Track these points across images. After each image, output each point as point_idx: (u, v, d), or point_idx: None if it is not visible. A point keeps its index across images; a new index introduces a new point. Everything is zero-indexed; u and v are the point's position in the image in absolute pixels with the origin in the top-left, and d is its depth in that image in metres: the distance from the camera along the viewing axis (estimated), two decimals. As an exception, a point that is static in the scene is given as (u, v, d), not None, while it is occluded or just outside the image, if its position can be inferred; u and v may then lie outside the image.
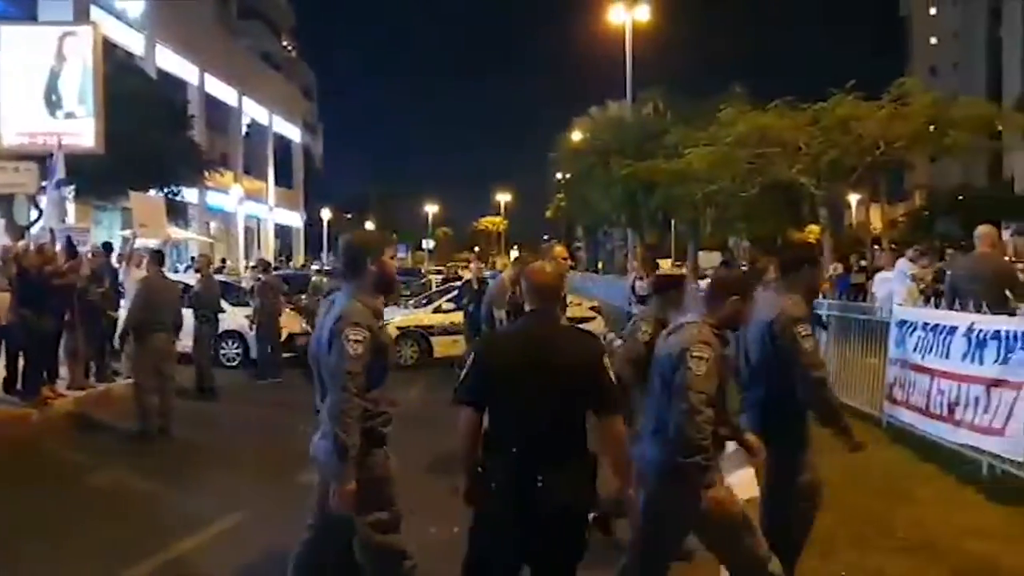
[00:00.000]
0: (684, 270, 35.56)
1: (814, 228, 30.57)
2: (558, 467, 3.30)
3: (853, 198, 52.47)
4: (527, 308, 3.64)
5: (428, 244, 79.94)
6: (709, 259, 32.18)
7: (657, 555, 3.98)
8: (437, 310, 15.69)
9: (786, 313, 4.38)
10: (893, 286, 12.64)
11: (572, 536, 3.40)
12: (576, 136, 36.82)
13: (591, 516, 3.53)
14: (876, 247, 39.22)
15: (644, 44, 32.60)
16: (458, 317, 13.89)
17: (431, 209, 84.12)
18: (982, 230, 8.59)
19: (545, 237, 54.29)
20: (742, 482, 7.03)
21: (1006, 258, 10.28)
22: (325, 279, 21.55)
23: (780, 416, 4.45)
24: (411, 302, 18.32)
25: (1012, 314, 7.01)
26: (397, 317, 16.09)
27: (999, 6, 71.94)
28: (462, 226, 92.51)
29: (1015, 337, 6.57)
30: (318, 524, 4.05)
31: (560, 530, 3.35)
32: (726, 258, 25.20)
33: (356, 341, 3.74)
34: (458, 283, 18.04)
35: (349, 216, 65.80)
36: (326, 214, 59.57)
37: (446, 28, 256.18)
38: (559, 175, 38.95)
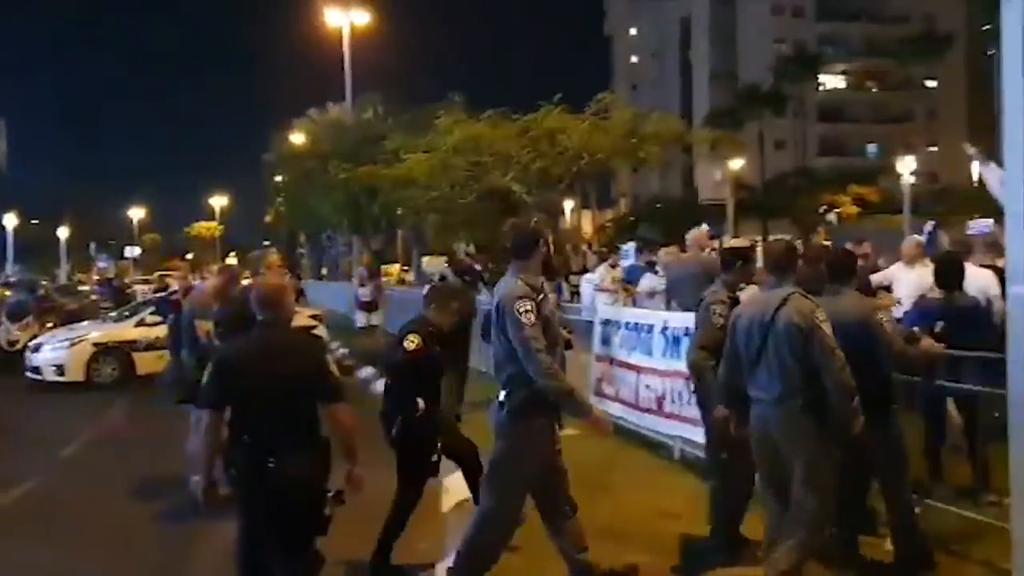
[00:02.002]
0: (411, 275, 35.75)
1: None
2: (289, 452, 3.85)
3: (568, 205, 55.56)
4: (259, 317, 4.10)
5: (133, 252, 74.32)
6: (434, 264, 32.52)
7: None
8: (140, 324, 14.52)
9: None
10: (589, 288, 13.34)
11: (306, 510, 3.94)
12: (296, 138, 35.84)
13: (329, 493, 4.01)
14: (588, 250, 41.74)
15: (365, 47, 32.45)
16: (163, 331, 12.90)
17: (137, 214, 78.19)
18: (693, 234, 9.26)
19: (265, 243, 52.49)
20: (455, 485, 7.12)
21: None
22: (8, 292, 19.36)
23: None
24: (112, 315, 16.88)
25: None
26: (94, 332, 14.76)
27: (689, 31, 79.23)
28: (173, 232, 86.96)
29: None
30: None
31: (294, 505, 3.89)
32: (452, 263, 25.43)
33: (527, 311, 4.31)
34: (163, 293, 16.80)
35: (37, 222, 59.66)
36: (11, 220, 53.63)
37: (155, 18, 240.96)
38: (278, 178, 37.67)
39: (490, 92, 22.69)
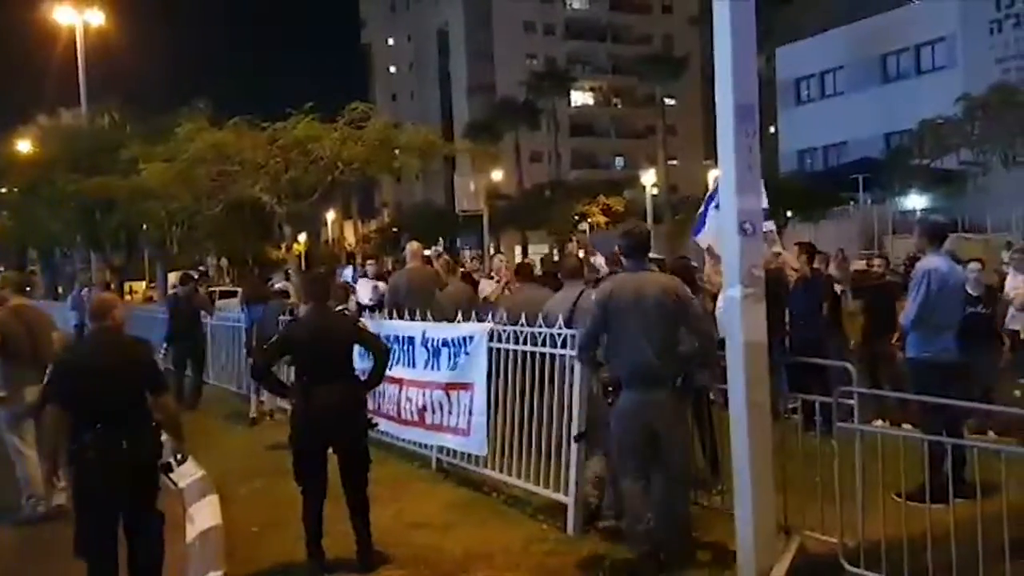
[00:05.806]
0: (155, 294, 33.52)
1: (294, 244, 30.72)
2: (133, 433, 4.67)
3: (330, 215, 54.50)
4: (91, 325, 5.06)
5: None
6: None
7: None
8: None
9: None
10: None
11: (149, 479, 4.80)
12: (23, 146, 32.58)
13: (160, 464, 4.88)
14: (352, 261, 40.89)
15: (102, 50, 30.30)
16: None
17: None
18: (412, 246, 9.67)
19: (-8, 262, 47.28)
20: (204, 510, 6.71)
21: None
22: None
23: None
24: None
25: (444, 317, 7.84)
26: None
27: (447, 44, 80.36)
28: None
29: (459, 343, 7.20)
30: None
31: (141, 476, 4.73)
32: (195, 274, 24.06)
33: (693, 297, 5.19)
34: None
35: None
36: None
37: None
38: (2, 190, 34.10)
39: (242, 100, 21.54)
